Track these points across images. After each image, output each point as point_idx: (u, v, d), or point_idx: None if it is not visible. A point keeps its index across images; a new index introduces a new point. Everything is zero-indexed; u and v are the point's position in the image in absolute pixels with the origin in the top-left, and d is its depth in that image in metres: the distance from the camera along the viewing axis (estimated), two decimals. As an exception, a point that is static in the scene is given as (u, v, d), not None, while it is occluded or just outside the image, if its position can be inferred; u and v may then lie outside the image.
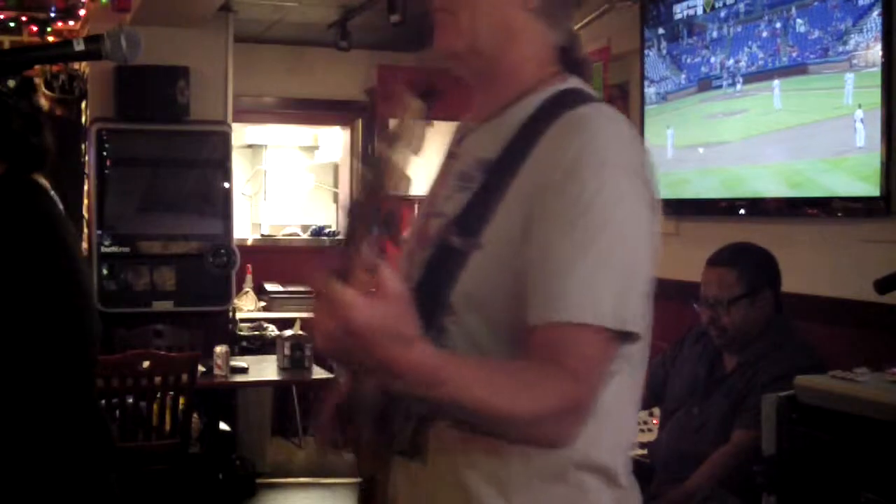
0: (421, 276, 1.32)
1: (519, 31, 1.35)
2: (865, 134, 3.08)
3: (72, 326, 1.95)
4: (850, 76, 3.19)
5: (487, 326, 1.26)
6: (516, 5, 1.34)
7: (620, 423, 1.34)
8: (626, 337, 1.23)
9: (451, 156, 1.45)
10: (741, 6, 3.77)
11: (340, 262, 1.06)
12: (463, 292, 1.26)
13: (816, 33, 3.39)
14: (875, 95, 3.04)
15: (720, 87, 3.89)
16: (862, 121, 3.10)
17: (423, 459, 1.30)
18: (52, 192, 2.06)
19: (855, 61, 3.16)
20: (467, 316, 1.26)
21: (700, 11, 3.96)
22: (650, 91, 4.26)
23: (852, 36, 3.21)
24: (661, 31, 4.25)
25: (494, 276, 1.25)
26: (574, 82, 1.37)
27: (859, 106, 3.12)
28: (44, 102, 5.49)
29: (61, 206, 2.08)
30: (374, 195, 1.08)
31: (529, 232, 1.22)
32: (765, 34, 3.67)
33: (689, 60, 4.10)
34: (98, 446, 2.01)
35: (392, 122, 1.17)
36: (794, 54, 3.50)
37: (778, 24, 3.59)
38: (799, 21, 3.49)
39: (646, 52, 4.23)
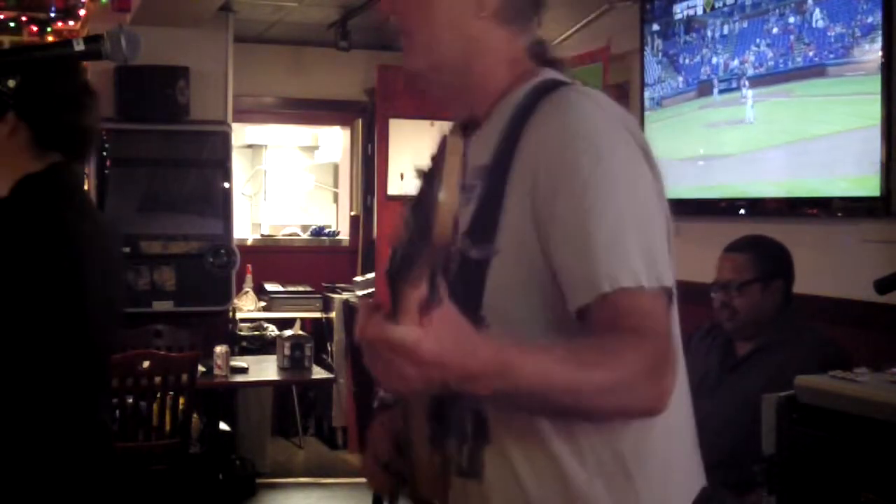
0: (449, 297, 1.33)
1: (480, 40, 1.35)
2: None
3: (74, 331, 1.93)
4: (877, 79, 2.85)
5: (526, 328, 1.25)
6: (470, 15, 1.34)
7: (674, 409, 1.29)
8: (669, 293, 1.22)
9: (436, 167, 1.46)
10: (748, -2, 3.35)
11: (388, 305, 1.05)
12: (493, 302, 1.26)
13: (838, 29, 3.00)
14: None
15: (722, 91, 3.57)
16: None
17: (479, 477, 1.30)
18: (84, 186, 1.97)
19: (885, 62, 2.83)
20: (504, 322, 1.25)
21: (700, 12, 3.74)
22: (645, 95, 4.09)
23: (881, 32, 2.84)
24: (655, 27, 4.02)
25: (520, 275, 1.25)
26: (549, 73, 1.37)
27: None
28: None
29: (87, 206, 2.02)
30: (427, 239, 1.06)
31: (540, 223, 1.23)
32: (775, 31, 3.28)
33: (686, 61, 3.81)
34: (97, 450, 2.00)
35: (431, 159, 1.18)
36: (811, 54, 3.12)
37: (791, 19, 3.19)
38: (817, 14, 3.08)
39: (645, 52, 4.20)
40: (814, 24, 3.09)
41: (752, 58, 3.39)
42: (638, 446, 1.28)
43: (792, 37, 3.20)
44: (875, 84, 2.90)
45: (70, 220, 1.90)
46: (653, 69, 4.04)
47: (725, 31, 3.55)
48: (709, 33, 3.66)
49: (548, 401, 1.16)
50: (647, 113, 4.09)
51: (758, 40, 3.37)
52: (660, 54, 3.99)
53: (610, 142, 1.23)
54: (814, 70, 3.10)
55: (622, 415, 1.22)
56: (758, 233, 3.16)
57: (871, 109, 2.92)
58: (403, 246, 1.09)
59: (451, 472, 1.34)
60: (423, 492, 1.40)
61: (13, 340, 1.84)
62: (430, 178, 1.11)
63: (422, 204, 1.09)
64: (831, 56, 3.03)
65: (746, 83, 3.44)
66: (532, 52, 1.39)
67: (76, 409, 1.95)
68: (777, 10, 3.26)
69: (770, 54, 3.30)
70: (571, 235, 1.20)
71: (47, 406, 1.89)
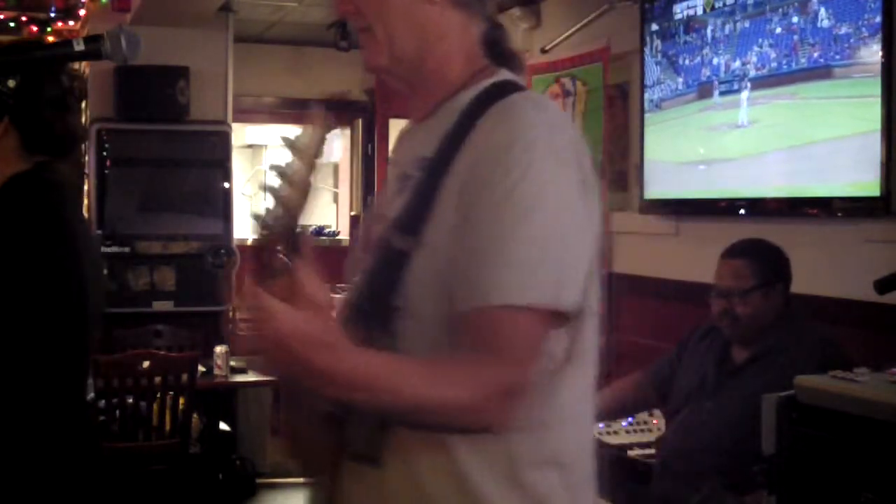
0: (365, 282, 1.33)
1: (434, 28, 1.35)
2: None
3: (65, 326, 1.95)
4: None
5: (441, 324, 1.24)
6: (422, 1, 1.34)
7: (575, 416, 1.33)
8: (561, 316, 1.22)
9: (393, 163, 1.47)
10: (750, -4, 3.22)
11: (256, 273, 1.09)
12: (410, 293, 1.25)
13: (844, 28, 2.88)
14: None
15: (723, 93, 3.47)
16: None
17: (378, 463, 1.29)
18: (74, 185, 2.03)
19: (885, 62, 2.74)
20: (418, 316, 1.25)
21: (700, 12, 3.68)
22: (645, 97, 4.04)
23: (881, 32, 2.74)
24: (654, 27, 3.95)
25: (441, 272, 1.24)
26: (504, 74, 1.37)
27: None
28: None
29: (73, 205, 2.07)
30: (287, 209, 1.11)
31: (464, 223, 1.23)
32: (778, 30, 3.17)
33: (686, 62, 3.73)
34: (82, 443, 2.02)
35: (299, 133, 1.19)
36: (816, 55, 3.01)
37: (795, 19, 3.08)
38: (822, 13, 2.96)
39: (645, 53, 4.19)
40: (818, 24, 3.00)
41: (754, 59, 3.30)
42: (535, 450, 1.28)
43: (796, 37, 3.09)
44: (874, 87, 2.84)
45: (66, 213, 1.95)
46: (652, 70, 3.98)
47: (727, 31, 3.47)
48: (709, 34, 3.58)
49: (398, 413, 1.19)
50: (646, 115, 4.05)
51: (760, 40, 3.27)
52: (659, 55, 3.92)
53: (545, 159, 1.23)
54: (819, 71, 3.01)
55: (464, 431, 1.23)
56: (756, 234, 3.16)
57: (878, 112, 2.85)
58: (270, 216, 1.14)
59: (346, 454, 1.33)
60: (311, 467, 1.40)
61: (12, 330, 1.86)
62: (299, 151, 1.17)
63: (290, 173, 1.14)
64: (837, 57, 2.92)
65: (748, 85, 3.36)
66: (488, 40, 1.39)
67: (69, 399, 1.97)
68: (780, 10, 3.16)
69: (773, 55, 3.20)
70: (479, 242, 1.20)
71: (45, 398, 1.91)
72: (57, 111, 1.98)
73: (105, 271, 5.42)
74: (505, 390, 1.18)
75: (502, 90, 1.32)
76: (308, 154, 1.13)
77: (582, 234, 1.26)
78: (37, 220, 1.91)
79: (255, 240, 1.12)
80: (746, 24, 3.34)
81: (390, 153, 1.51)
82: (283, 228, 1.09)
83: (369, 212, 1.47)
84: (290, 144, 1.16)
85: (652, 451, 3.29)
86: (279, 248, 1.09)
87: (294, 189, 1.11)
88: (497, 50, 1.40)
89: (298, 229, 1.12)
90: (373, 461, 1.29)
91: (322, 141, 1.15)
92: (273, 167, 1.12)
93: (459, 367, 1.18)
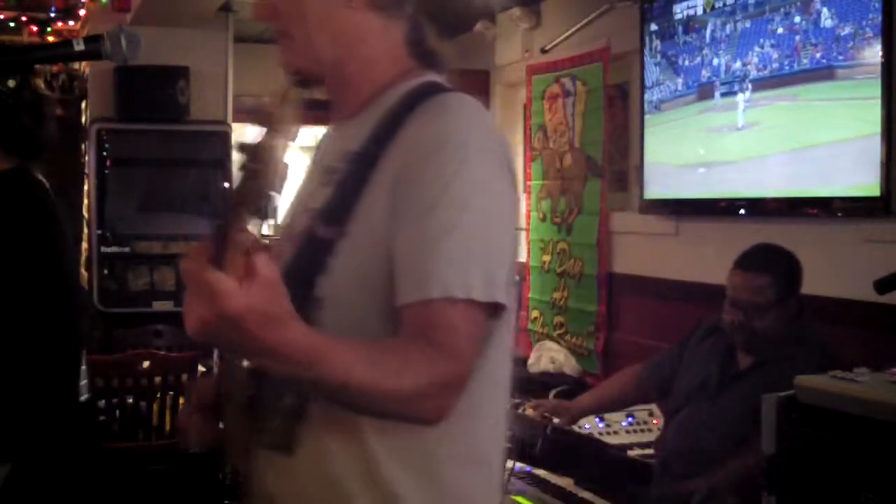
0: (288, 271, 1.31)
1: (354, 31, 1.37)
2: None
3: (56, 323, 1.97)
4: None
5: (362, 316, 1.26)
6: (341, 6, 1.36)
7: (491, 412, 1.36)
8: (494, 309, 1.25)
9: (316, 160, 1.49)
10: (751, -5, 3.13)
11: (214, 248, 1.05)
12: (332, 284, 1.26)
13: (847, 29, 2.81)
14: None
15: (724, 94, 3.41)
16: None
17: (291, 452, 1.31)
18: (48, 187, 2.10)
19: (885, 61, 2.67)
20: (340, 307, 1.26)
21: (700, 12, 3.65)
22: (645, 97, 4.01)
23: (881, 31, 2.68)
24: (653, 27, 3.91)
25: (365, 264, 1.26)
26: (431, 76, 1.39)
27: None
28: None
29: (54, 202, 2.11)
30: (254, 182, 1.08)
31: (395, 217, 1.24)
32: (780, 30, 3.10)
33: (686, 63, 3.68)
34: (80, 437, 2.05)
35: (264, 103, 1.15)
36: (818, 55, 2.94)
37: (797, 19, 3.01)
38: (825, 13, 2.88)
39: (645, 53, 4.18)
40: (821, 24, 2.94)
41: (755, 59, 3.25)
42: (453, 446, 1.30)
43: (798, 37, 3.03)
44: (877, 88, 2.79)
45: (49, 209, 1.98)
46: (651, 71, 3.96)
47: (727, 31, 3.41)
48: (709, 34, 3.54)
49: (342, 395, 1.17)
50: (645, 116, 4.04)
51: (761, 41, 3.22)
52: (658, 56, 3.88)
53: (478, 158, 1.25)
54: (821, 72, 2.94)
55: (403, 419, 1.23)
56: (756, 233, 3.15)
57: (878, 114, 2.80)
58: (235, 191, 1.10)
59: (259, 443, 1.35)
60: (232, 459, 1.42)
61: (2, 323, 1.88)
62: (267, 125, 1.13)
63: (257, 149, 1.11)
64: (840, 57, 2.86)
65: (749, 86, 3.31)
66: (412, 42, 1.40)
67: (59, 394, 2.00)
68: (782, 9, 3.09)
69: (774, 56, 3.14)
70: (417, 237, 1.22)
71: (29, 386, 1.93)
72: (31, 117, 2.06)
73: (105, 271, 5.44)
74: (446, 382, 1.19)
75: (430, 90, 1.34)
76: (274, 123, 1.11)
77: (510, 231, 1.31)
78: (24, 215, 1.95)
79: (220, 212, 1.09)
80: (747, 24, 3.29)
81: (313, 153, 1.54)
82: (250, 195, 1.07)
83: (292, 205, 1.51)
84: (255, 113, 1.14)
85: (652, 451, 3.29)
86: (245, 216, 1.06)
87: (261, 159, 1.08)
88: (420, 50, 1.41)
89: (267, 197, 1.10)
90: (286, 450, 1.31)
91: (290, 113, 1.13)
92: (238, 143, 1.10)
93: (404, 356, 1.17)
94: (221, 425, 1.45)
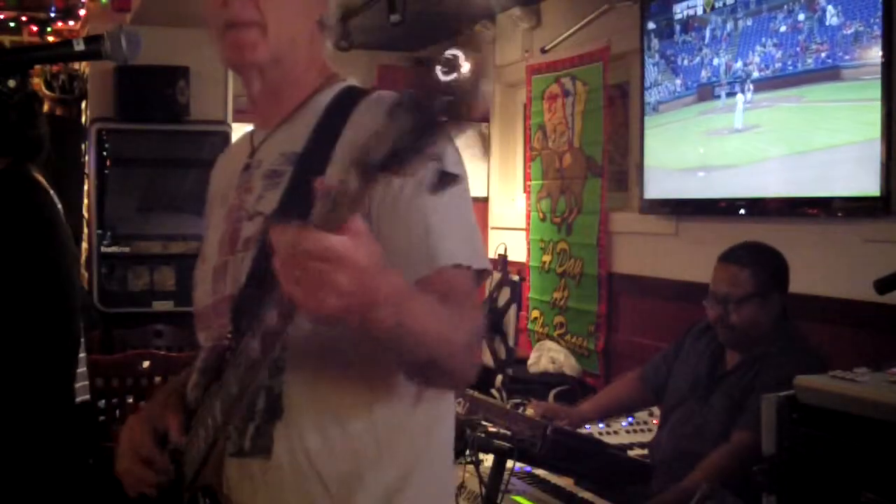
0: (247, 281, 1.34)
1: (308, 40, 1.46)
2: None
3: (55, 321, 1.97)
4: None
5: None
6: (311, 17, 1.45)
7: (448, 409, 1.46)
8: (481, 276, 1.35)
9: (247, 167, 1.50)
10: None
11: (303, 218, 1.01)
12: None
13: (854, 26, 2.68)
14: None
15: (724, 95, 3.33)
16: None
17: (268, 454, 1.32)
18: (47, 187, 2.09)
19: (886, 61, 2.57)
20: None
21: (700, 12, 3.60)
22: (645, 97, 3.99)
23: (881, 31, 2.58)
24: (654, 27, 3.88)
25: None
26: (352, 81, 1.50)
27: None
28: (44, 102, 5.49)
29: (58, 202, 2.11)
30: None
31: (372, 206, 1.27)
32: (783, 29, 2.99)
33: (685, 63, 3.62)
34: (74, 435, 2.05)
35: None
36: (823, 54, 2.84)
37: (801, 16, 2.89)
38: (830, 11, 2.76)
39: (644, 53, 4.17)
40: (827, 22, 2.82)
41: (757, 59, 3.15)
42: (429, 427, 1.39)
43: (802, 36, 2.92)
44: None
45: (47, 208, 1.98)
46: (649, 71, 3.94)
47: (728, 29, 3.34)
48: (709, 33, 3.48)
49: (419, 344, 1.17)
50: (645, 118, 4.03)
51: (763, 40, 3.12)
52: (656, 56, 3.84)
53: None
54: (826, 73, 2.85)
55: (448, 377, 1.28)
56: (756, 233, 3.16)
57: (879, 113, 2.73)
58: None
59: (227, 454, 1.35)
60: (200, 480, 1.39)
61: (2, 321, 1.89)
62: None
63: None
64: (846, 57, 2.75)
65: (751, 87, 3.23)
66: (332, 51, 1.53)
67: (56, 392, 2.00)
68: (785, 7, 2.97)
69: (777, 55, 3.04)
70: (413, 219, 1.28)
71: (27, 384, 1.94)
72: (23, 117, 2.06)
73: (105, 271, 5.43)
74: (476, 336, 1.28)
75: (360, 90, 1.44)
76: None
77: (471, 205, 1.40)
78: (14, 215, 1.95)
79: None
80: (749, 23, 3.21)
81: (240, 159, 1.55)
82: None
83: (225, 214, 1.54)
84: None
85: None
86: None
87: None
88: (346, 25, 1.52)
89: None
90: (262, 453, 1.32)
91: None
92: None
93: (449, 310, 1.22)
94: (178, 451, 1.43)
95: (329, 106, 1.41)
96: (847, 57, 2.74)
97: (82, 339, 2.14)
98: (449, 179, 1.03)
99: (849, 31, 2.73)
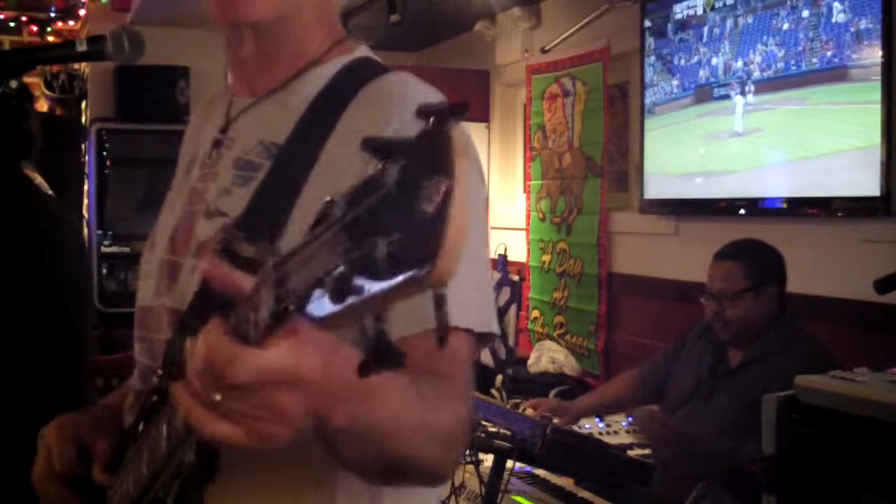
0: (190, 307, 1.07)
1: None
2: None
3: (56, 325, 1.97)
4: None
5: None
6: None
7: None
8: (485, 339, 1.07)
9: (216, 143, 1.22)
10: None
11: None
12: None
13: (863, 23, 2.54)
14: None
15: (723, 97, 3.24)
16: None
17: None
18: (41, 183, 2.09)
19: (886, 60, 2.46)
20: None
21: (700, 11, 3.56)
22: (645, 97, 3.97)
23: (881, 30, 2.46)
24: (653, 26, 3.83)
25: None
26: (365, 51, 1.20)
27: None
28: (44, 102, 5.50)
29: (46, 199, 2.11)
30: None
31: None
32: (786, 26, 2.85)
33: (683, 62, 3.53)
34: None
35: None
36: (829, 53, 2.70)
37: (805, 13, 2.73)
38: (836, 7, 2.61)
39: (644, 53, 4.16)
40: (833, 19, 2.66)
41: (758, 59, 3.01)
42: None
43: (805, 34, 2.78)
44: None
45: (37, 208, 1.98)
46: (650, 72, 3.93)
47: (728, 27, 3.21)
48: (707, 31, 3.40)
49: (387, 438, 0.89)
50: (645, 120, 4.03)
51: (765, 38, 2.97)
52: (653, 56, 3.80)
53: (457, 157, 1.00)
54: (832, 73, 2.71)
55: (424, 476, 1.00)
56: (757, 234, 3.16)
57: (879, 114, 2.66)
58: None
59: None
60: None
61: (8, 326, 1.89)
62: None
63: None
64: (854, 56, 2.61)
65: (752, 88, 3.11)
66: (343, 12, 1.24)
67: (57, 390, 2.00)
68: (788, 3, 2.80)
69: (780, 54, 2.89)
70: None
71: (29, 387, 1.94)
72: (13, 115, 2.06)
73: (105, 271, 5.44)
74: (466, 417, 1.00)
75: (370, 69, 1.15)
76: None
77: (487, 238, 1.12)
78: (22, 215, 1.95)
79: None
80: (750, 20, 3.08)
81: (201, 122, 1.29)
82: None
83: (179, 199, 1.27)
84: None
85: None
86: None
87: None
88: (346, 22, 1.25)
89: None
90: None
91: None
92: None
93: (431, 389, 0.95)
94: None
95: (329, 84, 1.13)
96: (855, 56, 2.59)
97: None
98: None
99: (856, 28, 2.57)
